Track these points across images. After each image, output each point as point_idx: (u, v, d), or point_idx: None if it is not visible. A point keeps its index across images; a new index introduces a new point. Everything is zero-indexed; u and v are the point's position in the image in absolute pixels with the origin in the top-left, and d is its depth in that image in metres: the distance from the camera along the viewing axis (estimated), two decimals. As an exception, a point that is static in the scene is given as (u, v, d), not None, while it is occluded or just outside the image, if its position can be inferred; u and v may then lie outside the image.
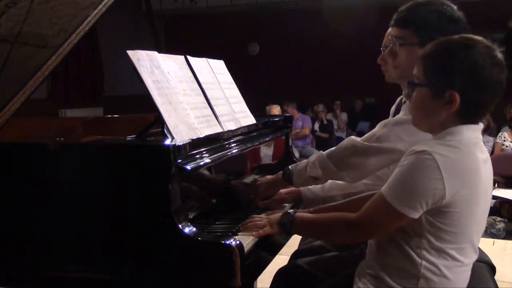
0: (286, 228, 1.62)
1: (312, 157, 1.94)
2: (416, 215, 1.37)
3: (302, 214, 1.65)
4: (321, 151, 1.94)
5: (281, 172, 2.02)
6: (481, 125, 1.47)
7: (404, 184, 1.38)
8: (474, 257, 1.50)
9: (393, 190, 1.39)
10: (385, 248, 1.48)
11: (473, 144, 1.42)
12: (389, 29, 1.91)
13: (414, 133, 1.62)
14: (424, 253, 1.41)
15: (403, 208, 1.37)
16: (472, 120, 1.44)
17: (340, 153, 1.86)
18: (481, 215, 1.46)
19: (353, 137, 1.89)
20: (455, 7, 1.80)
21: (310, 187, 2.06)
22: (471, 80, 1.38)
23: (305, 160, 1.98)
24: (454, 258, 1.42)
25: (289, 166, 2.00)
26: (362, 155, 1.80)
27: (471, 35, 1.45)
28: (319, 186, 2.06)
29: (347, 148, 1.85)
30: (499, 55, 1.41)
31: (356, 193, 1.92)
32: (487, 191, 1.46)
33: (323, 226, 1.58)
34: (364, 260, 1.59)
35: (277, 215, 1.67)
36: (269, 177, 2.12)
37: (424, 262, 1.41)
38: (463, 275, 1.49)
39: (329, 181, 2.01)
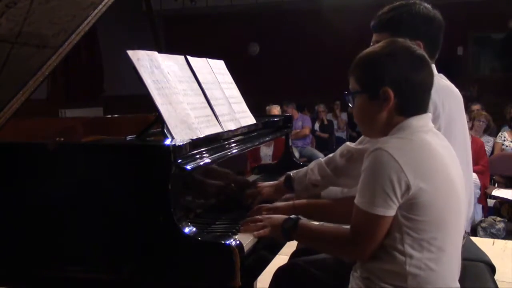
0: (287, 233, 1.62)
1: (312, 164, 1.97)
2: (391, 212, 1.40)
3: (305, 222, 1.65)
4: (320, 158, 1.97)
5: (283, 177, 2.03)
6: (429, 114, 1.53)
7: (369, 186, 1.41)
8: (457, 244, 1.51)
9: (362, 197, 1.43)
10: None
11: (424, 132, 1.47)
12: None
13: None
14: (408, 249, 1.42)
15: (376, 210, 1.39)
16: (415, 112, 1.49)
17: (336, 159, 1.90)
18: (453, 201, 1.46)
19: (348, 143, 1.93)
20: (429, 6, 1.84)
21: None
22: (397, 73, 1.47)
23: (305, 167, 2.00)
24: (437, 248, 1.43)
25: (291, 173, 2.01)
26: (357, 159, 1.82)
27: (394, 38, 1.56)
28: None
29: (343, 154, 1.88)
30: (418, 50, 1.51)
31: None
32: (451, 176, 1.47)
33: (324, 238, 1.59)
34: (356, 263, 1.59)
35: (280, 217, 1.66)
36: (271, 182, 2.12)
37: (408, 259, 1.42)
38: (450, 264, 1.49)
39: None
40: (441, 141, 1.50)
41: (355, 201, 1.45)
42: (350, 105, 1.59)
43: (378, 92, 1.47)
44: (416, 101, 1.50)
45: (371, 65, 1.51)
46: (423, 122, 1.49)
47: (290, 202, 1.86)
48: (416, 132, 1.46)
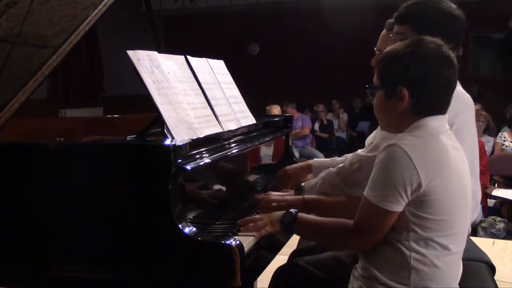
0: (287, 227, 1.62)
1: (322, 173, 1.95)
2: (399, 208, 1.41)
3: (304, 215, 1.65)
4: (331, 168, 1.95)
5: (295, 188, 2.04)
6: (446, 116, 1.52)
7: (380, 181, 1.42)
8: (462, 245, 1.51)
9: (372, 189, 1.44)
10: (375, 247, 1.49)
11: (439, 133, 1.47)
12: (383, 31, 1.95)
13: None
14: (413, 244, 1.43)
15: (386, 205, 1.40)
16: (433, 112, 1.49)
17: (346, 169, 1.88)
18: (462, 201, 1.48)
19: (359, 151, 1.91)
20: (454, 5, 1.84)
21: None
22: (417, 74, 1.46)
23: (316, 178, 1.99)
24: (442, 246, 1.44)
25: (302, 183, 2.02)
26: (366, 167, 1.78)
27: (422, 37, 1.53)
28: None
29: (353, 163, 1.87)
30: (447, 51, 1.48)
31: None
32: (461, 177, 1.48)
33: (325, 230, 1.58)
34: (357, 263, 1.59)
35: (279, 213, 1.67)
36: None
37: (413, 254, 1.43)
38: (454, 263, 1.50)
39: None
40: (453, 143, 1.50)
41: (365, 193, 1.46)
42: (369, 99, 1.60)
43: (395, 90, 1.48)
44: (435, 102, 1.50)
45: (392, 63, 1.51)
46: (440, 123, 1.49)
47: (300, 196, 1.86)
48: (432, 132, 1.46)
